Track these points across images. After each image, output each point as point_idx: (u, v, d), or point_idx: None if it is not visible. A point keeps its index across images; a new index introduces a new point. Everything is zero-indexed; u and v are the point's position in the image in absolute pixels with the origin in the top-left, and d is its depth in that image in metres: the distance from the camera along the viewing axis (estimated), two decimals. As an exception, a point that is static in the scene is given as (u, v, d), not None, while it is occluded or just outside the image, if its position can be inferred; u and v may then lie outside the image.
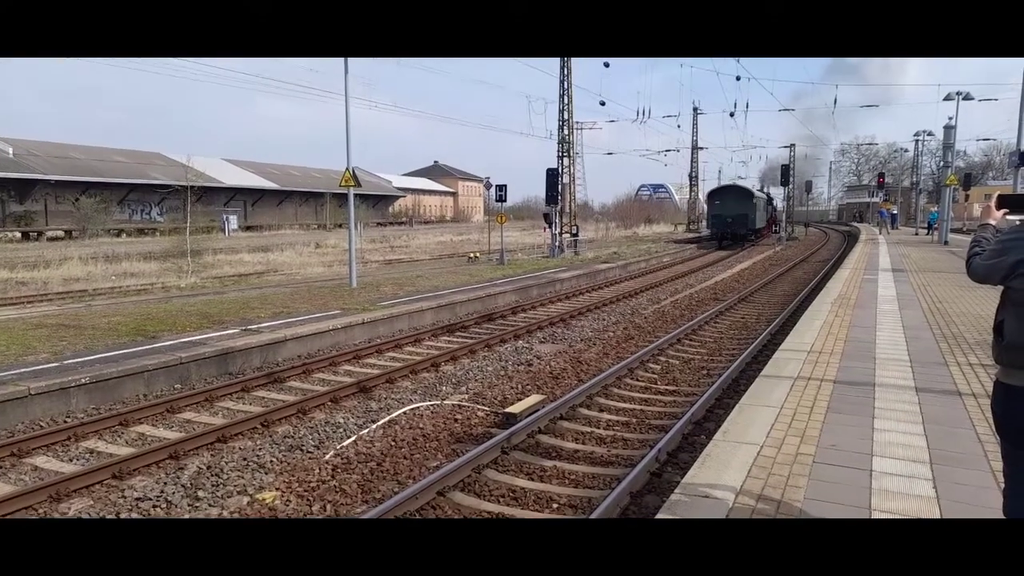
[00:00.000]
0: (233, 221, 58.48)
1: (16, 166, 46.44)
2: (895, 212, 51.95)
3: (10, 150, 47.62)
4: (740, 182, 50.77)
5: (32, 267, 26.16)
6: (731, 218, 38.77)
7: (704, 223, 55.10)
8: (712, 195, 42.43)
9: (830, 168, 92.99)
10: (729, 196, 40.23)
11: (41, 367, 8.57)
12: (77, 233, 45.79)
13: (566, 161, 30.91)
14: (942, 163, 40.68)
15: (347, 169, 17.05)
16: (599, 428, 7.48)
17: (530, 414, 7.56)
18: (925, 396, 5.92)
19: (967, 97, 30.91)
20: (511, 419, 7.52)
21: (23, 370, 8.41)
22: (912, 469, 4.27)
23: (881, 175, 52.01)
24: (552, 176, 28.31)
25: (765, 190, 53.84)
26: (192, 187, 28.39)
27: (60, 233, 46.90)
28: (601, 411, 8.10)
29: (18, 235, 45.16)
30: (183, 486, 6.05)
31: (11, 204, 47.16)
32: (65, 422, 7.61)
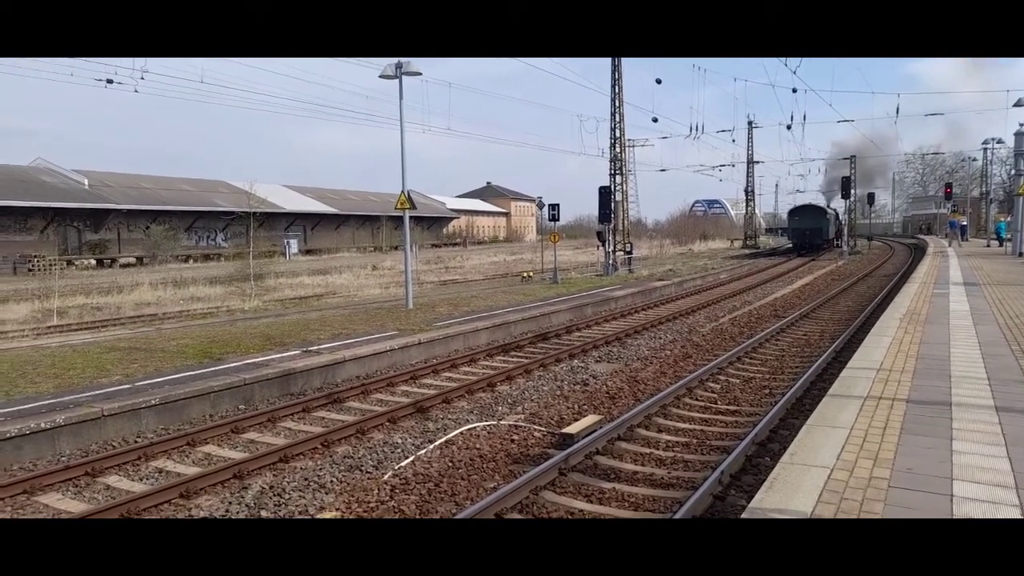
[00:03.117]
0: (294, 245, 60.17)
1: (91, 197, 48.89)
2: (965, 223, 49.83)
3: (85, 181, 50.19)
4: (800, 195, 57.84)
5: (106, 293, 27.37)
6: (808, 231, 47.54)
7: (761, 238, 58.84)
8: (792, 212, 52.34)
9: (893, 179, 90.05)
10: (806, 213, 49.76)
11: (114, 389, 8.90)
12: (147, 259, 47.79)
13: (619, 179, 30.78)
14: (1013, 171, 38.92)
15: (403, 192, 17.33)
16: (658, 449, 7.33)
17: (587, 435, 7.47)
18: (1006, 416, 5.60)
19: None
20: (568, 440, 7.44)
21: (97, 392, 8.75)
22: (996, 494, 4.03)
23: (948, 185, 49.87)
24: (605, 194, 28.20)
25: (832, 207, 57.57)
26: (255, 213, 29.36)
27: (132, 260, 48.99)
28: (660, 431, 7.94)
29: (93, 262, 47.33)
30: (247, 505, 6.16)
31: (87, 233, 49.59)
32: (136, 442, 7.88)
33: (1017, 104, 29.36)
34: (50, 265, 33.10)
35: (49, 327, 19.09)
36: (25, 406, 8.08)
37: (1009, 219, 36.63)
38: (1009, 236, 32.95)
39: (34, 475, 6.74)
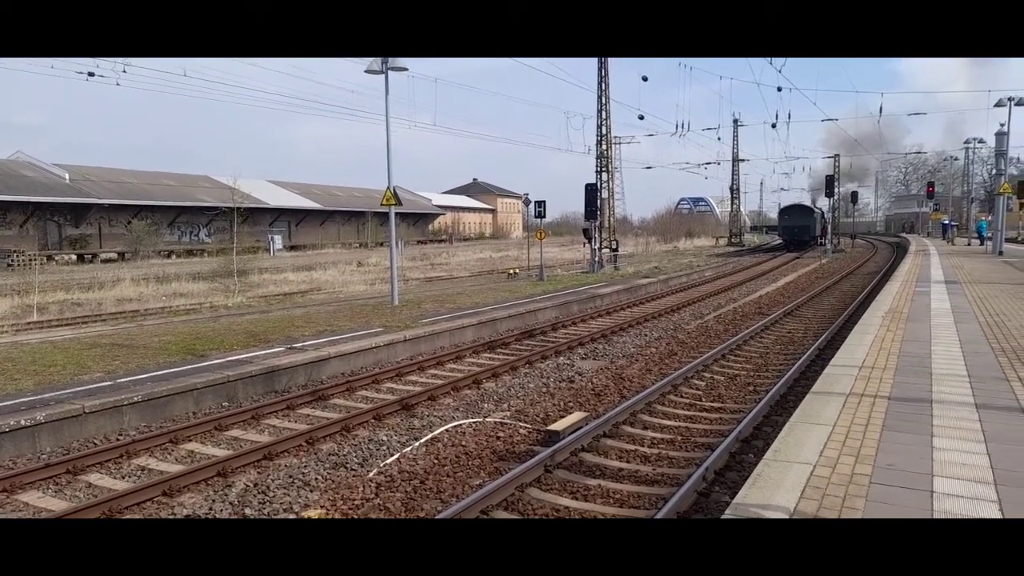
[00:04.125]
0: (278, 241, 59.77)
1: (72, 191, 48.28)
2: (947, 222, 50.62)
3: (66, 175, 49.57)
4: (785, 193, 61.40)
5: (87, 288, 27.06)
6: (797, 228, 51.28)
7: (746, 236, 62.37)
8: (782, 212, 56.76)
9: (876, 179, 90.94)
10: (795, 212, 53.80)
11: (95, 386, 8.81)
12: (129, 255, 47.29)
13: (605, 176, 30.82)
14: (994, 171, 39.44)
15: (388, 188, 17.25)
16: (643, 446, 7.36)
17: (573, 432, 7.49)
18: (986, 413, 5.67)
19: (1020, 102, 29.91)
20: (554, 437, 7.45)
21: (78, 389, 8.66)
22: (976, 490, 4.08)
23: (931, 184, 50.55)
24: (591, 191, 28.23)
25: (820, 206, 60.69)
26: (238, 208, 29.12)
27: (113, 255, 48.47)
28: (645, 428, 7.97)
29: (74, 257, 46.78)
30: (231, 503, 6.12)
31: (67, 228, 48.97)
32: (118, 440, 7.80)
33: (998, 104, 29.75)
34: (30, 260, 32.71)
35: (29, 323, 18.85)
36: (5, 403, 7.97)
37: (990, 218, 37.13)
38: (990, 235, 33.40)
39: (14, 473, 6.66)
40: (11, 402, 8.03)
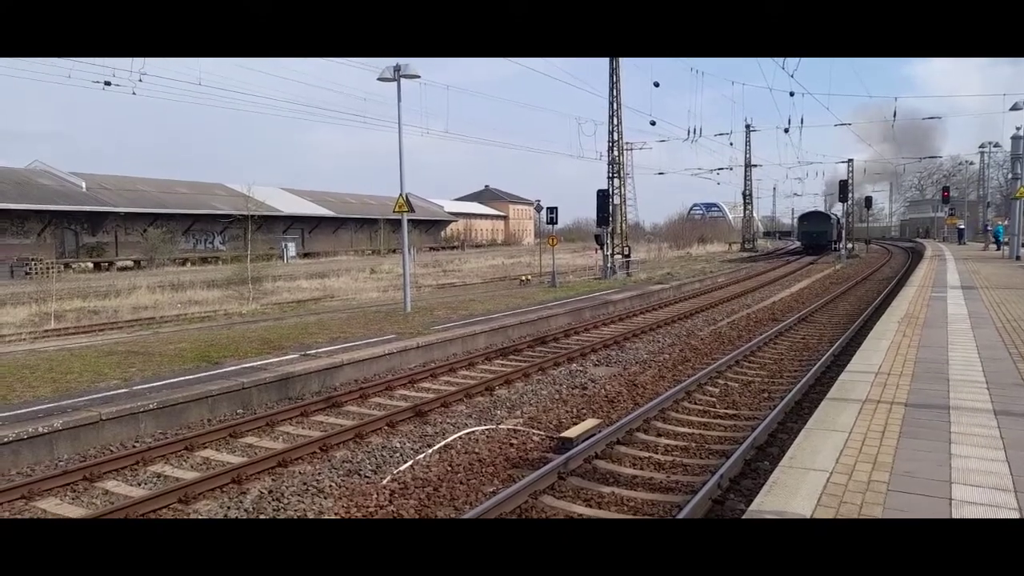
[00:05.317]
0: (291, 248, 60.13)
1: (88, 199, 48.84)
2: (963, 226, 50.24)
3: (83, 184, 50.13)
4: (799, 199, 63.48)
5: (103, 296, 27.32)
6: (815, 234, 53.88)
7: (759, 242, 65.42)
8: (801, 218, 60.64)
9: (891, 184, 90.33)
10: (813, 219, 57.21)
11: (112, 393, 8.88)
12: (145, 263, 47.72)
13: (616, 182, 30.76)
14: (1010, 175, 39.08)
15: (401, 195, 17.31)
16: (657, 453, 7.33)
17: (586, 439, 7.46)
18: (1005, 420, 5.61)
19: (1036, 105, 29.58)
20: (567, 444, 7.43)
21: (95, 396, 8.73)
22: (995, 498, 4.04)
23: (946, 189, 50.20)
24: (603, 197, 28.20)
25: (835, 211, 62.27)
26: (252, 216, 29.34)
27: (129, 263, 48.92)
28: (659, 435, 7.94)
29: (90, 265, 47.27)
30: (246, 510, 6.15)
31: (84, 236, 49.52)
32: (134, 447, 7.86)
33: (1014, 108, 29.45)
34: (47, 268, 33.07)
35: (46, 331, 19.06)
36: (23, 410, 8.06)
37: (1007, 223, 36.75)
38: (1007, 240, 33.07)
39: (32, 480, 6.73)
40: (29, 409, 8.11)
